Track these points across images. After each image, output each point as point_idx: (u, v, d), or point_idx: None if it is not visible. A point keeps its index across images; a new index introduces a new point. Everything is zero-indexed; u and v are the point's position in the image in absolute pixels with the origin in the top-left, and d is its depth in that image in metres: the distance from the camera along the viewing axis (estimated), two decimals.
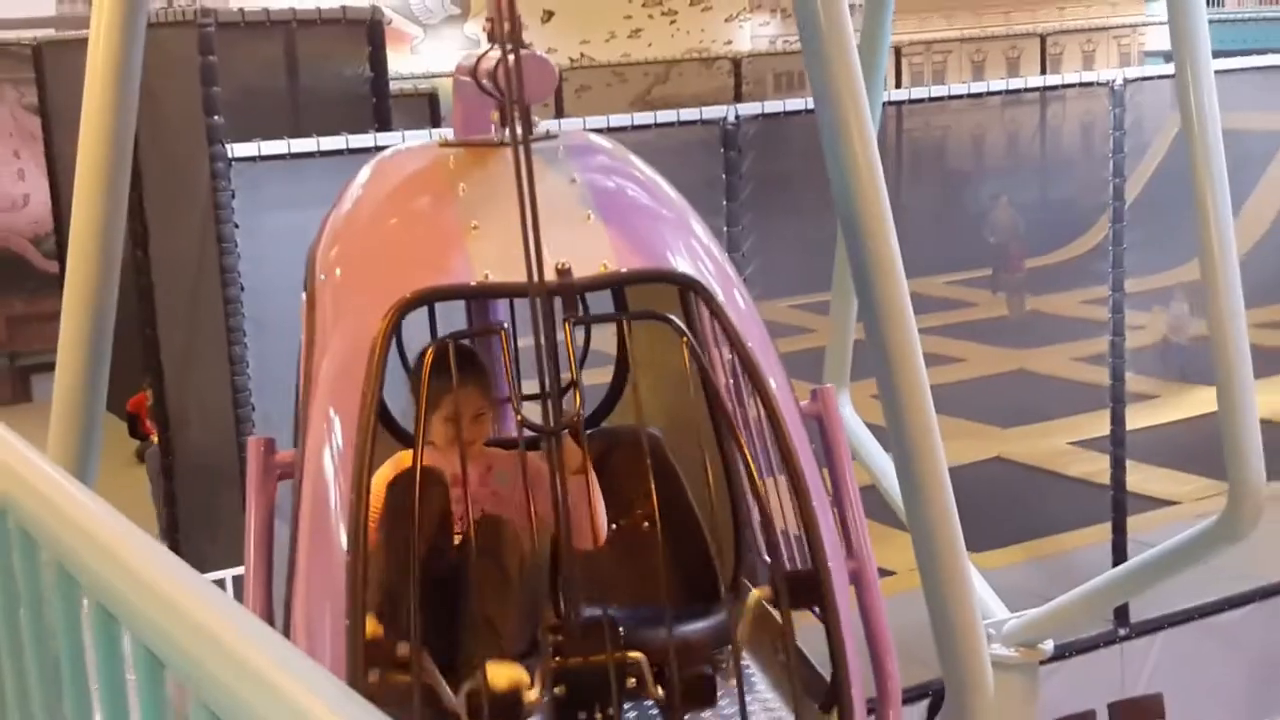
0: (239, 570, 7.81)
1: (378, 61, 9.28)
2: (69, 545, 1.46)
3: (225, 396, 7.91)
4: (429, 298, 3.36)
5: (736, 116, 8.69)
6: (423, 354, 3.40)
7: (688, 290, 3.61)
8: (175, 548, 9.54)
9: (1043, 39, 26.76)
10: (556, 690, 3.16)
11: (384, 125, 8.88)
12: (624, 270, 3.36)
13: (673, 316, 3.50)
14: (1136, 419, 11.17)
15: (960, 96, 11.87)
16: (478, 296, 3.50)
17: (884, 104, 11.47)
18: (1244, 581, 10.46)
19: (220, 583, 7.94)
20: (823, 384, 3.85)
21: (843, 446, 3.77)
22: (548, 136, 3.66)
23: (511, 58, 3.12)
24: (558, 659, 3.17)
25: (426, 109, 12.66)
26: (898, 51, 27.41)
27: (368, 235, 3.59)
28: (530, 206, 3.02)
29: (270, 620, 3.43)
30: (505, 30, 3.13)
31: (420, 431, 3.32)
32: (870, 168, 4.26)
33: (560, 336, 3.22)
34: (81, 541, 1.41)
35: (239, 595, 7.74)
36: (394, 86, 10.57)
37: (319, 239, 3.65)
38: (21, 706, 1.76)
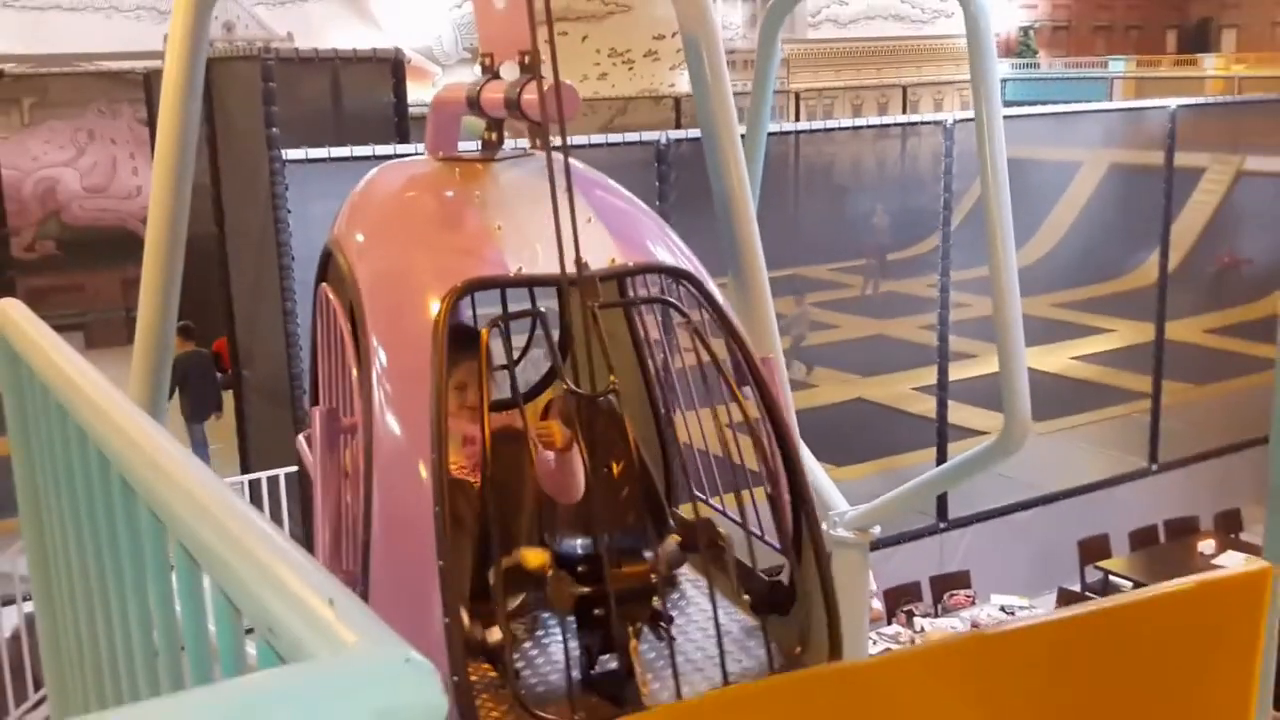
0: (273, 471, 7.92)
1: (400, 91, 9.26)
2: (162, 498, 1.27)
3: (281, 339, 7.92)
4: (477, 286, 3.04)
5: (667, 139, 8.78)
6: (480, 331, 3.11)
7: (679, 280, 3.30)
8: (244, 449, 9.55)
9: (904, 90, 26.87)
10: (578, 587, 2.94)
11: (404, 139, 8.86)
12: (630, 264, 3.13)
13: (674, 300, 3.28)
14: (959, 372, 11.33)
15: (841, 129, 12.32)
16: (517, 285, 3.08)
17: (784, 133, 11.65)
18: (1031, 490, 10.67)
19: (256, 483, 7.97)
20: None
21: (790, 409, 3.47)
22: (527, 153, 3.42)
23: (548, 81, 2.89)
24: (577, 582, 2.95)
25: None
26: (797, 96, 27.54)
27: (409, 235, 3.23)
28: (570, 211, 2.81)
29: (351, 583, 2.94)
30: (536, 59, 2.94)
31: (485, 401, 2.99)
32: (740, 184, 4.25)
33: (582, 320, 2.96)
34: (174, 495, 1.23)
35: (274, 493, 7.87)
36: (416, 111, 10.49)
37: (345, 239, 3.28)
38: (124, 649, 1.58)
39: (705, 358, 3.15)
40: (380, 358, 2.97)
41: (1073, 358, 15.82)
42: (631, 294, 3.44)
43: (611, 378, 2.94)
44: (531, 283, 3.13)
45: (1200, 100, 18.02)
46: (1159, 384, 11.25)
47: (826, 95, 28.59)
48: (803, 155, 20.25)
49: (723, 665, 2.89)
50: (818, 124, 14.88)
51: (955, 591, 9.50)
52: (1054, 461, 11.11)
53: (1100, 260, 18.29)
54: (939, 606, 9.42)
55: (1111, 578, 9.97)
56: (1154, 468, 11.19)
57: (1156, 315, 11.41)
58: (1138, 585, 9.84)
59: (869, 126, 15.84)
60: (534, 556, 3.02)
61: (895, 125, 16.58)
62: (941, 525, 10.24)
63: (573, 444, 3.12)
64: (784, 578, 3.23)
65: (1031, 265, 20.62)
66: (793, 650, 3.10)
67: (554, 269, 2.90)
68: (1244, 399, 12.46)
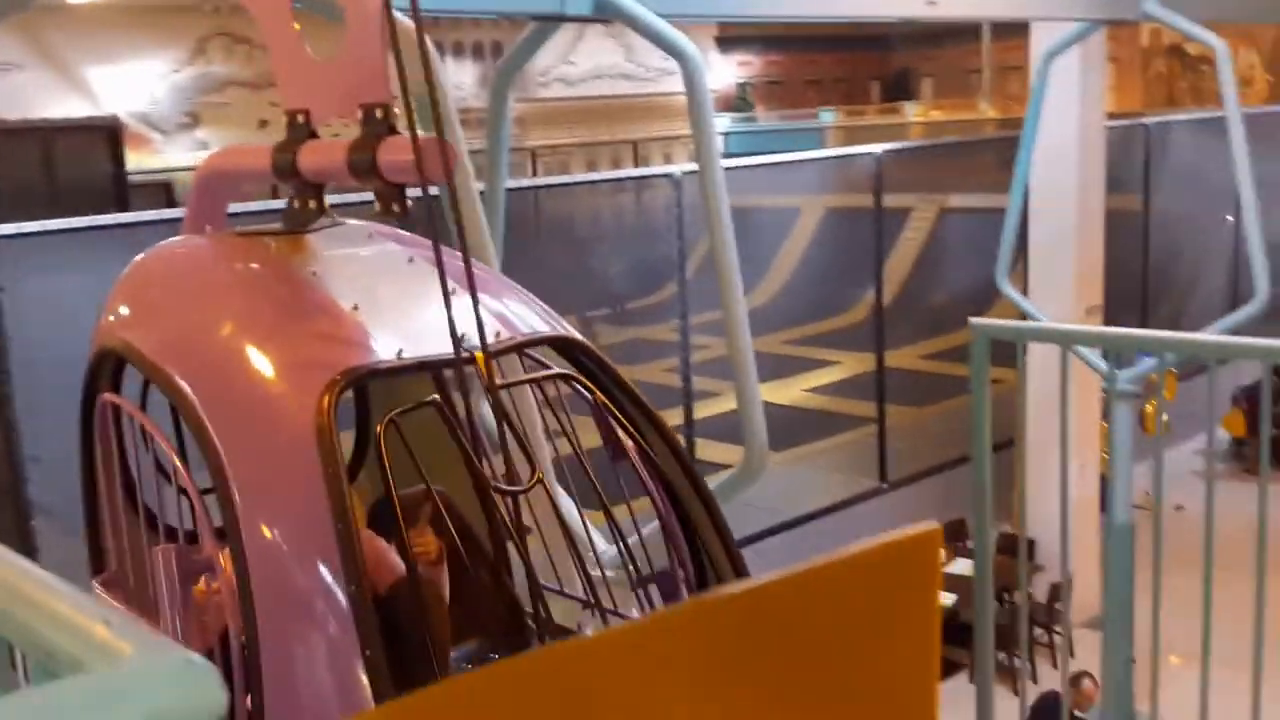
0: None
1: (117, 158, 8.94)
2: None
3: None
4: (361, 376, 2.57)
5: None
6: (377, 430, 2.75)
7: (574, 349, 3.00)
8: None
9: (635, 145, 27.73)
10: None
11: (124, 208, 8.54)
12: (519, 337, 2.81)
13: (573, 374, 2.97)
14: (704, 410, 11.79)
15: (574, 184, 12.70)
16: (405, 372, 2.64)
17: (522, 189, 11.92)
18: (776, 517, 11.18)
19: None
20: None
21: None
22: (335, 223, 2.96)
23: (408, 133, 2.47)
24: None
25: (164, 195, 12.30)
26: (533, 154, 27.98)
27: (247, 325, 2.67)
28: (470, 283, 2.45)
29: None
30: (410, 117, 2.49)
31: (395, 498, 2.68)
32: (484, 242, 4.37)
33: (483, 402, 2.73)
34: None
35: None
36: (137, 179, 10.14)
37: (141, 338, 2.70)
38: None
39: (613, 431, 2.90)
40: (242, 471, 2.46)
41: (804, 390, 16.72)
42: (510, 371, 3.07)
43: (538, 472, 2.63)
44: (424, 368, 2.73)
45: (903, 145, 19.45)
46: (883, 409, 12.04)
47: (561, 151, 29.17)
48: (544, 210, 20.60)
49: None
50: (554, 179, 15.24)
51: None
52: (795, 488, 11.71)
53: (823, 298, 19.42)
54: None
55: None
56: (884, 486, 11.94)
57: (876, 345, 12.23)
58: None
59: (601, 181, 16.46)
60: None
61: (627, 179, 17.23)
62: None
63: (444, 556, 2.89)
64: None
65: (763, 306, 21.66)
66: None
67: (440, 350, 2.51)
68: (961, 417, 13.51)
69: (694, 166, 6.58)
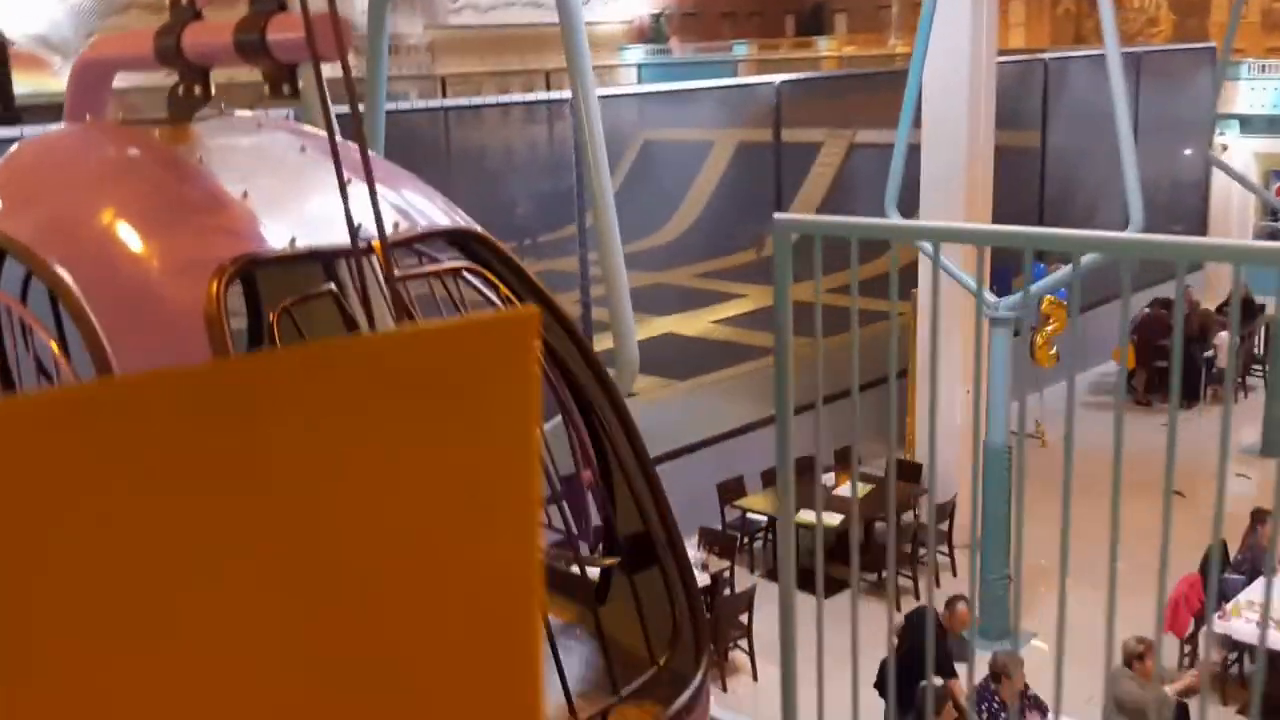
0: None
1: (4, 76, 8.85)
2: None
3: None
4: (252, 263, 2.43)
5: None
6: (271, 319, 2.57)
7: (474, 242, 2.84)
8: None
9: (547, 75, 27.58)
10: None
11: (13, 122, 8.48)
12: (419, 229, 2.67)
13: (480, 269, 2.82)
14: (604, 342, 11.98)
15: (460, 107, 12.71)
16: (298, 261, 2.49)
17: (403, 112, 11.91)
18: (675, 442, 11.41)
19: None
20: None
21: None
22: (223, 113, 2.80)
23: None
24: None
25: (58, 116, 12.04)
26: (443, 82, 27.66)
27: (130, 213, 2.49)
28: (367, 170, 2.25)
29: None
30: None
31: None
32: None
33: (380, 295, 2.56)
34: None
35: None
36: (34, 101, 10.01)
37: (16, 229, 2.52)
38: None
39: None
40: (126, 361, 2.31)
41: (712, 321, 17.02)
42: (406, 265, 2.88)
43: None
44: (319, 256, 2.60)
45: (803, 75, 19.54)
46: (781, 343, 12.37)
47: (473, 80, 28.88)
48: (454, 139, 20.47)
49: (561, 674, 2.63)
50: (437, 103, 15.18)
51: None
52: (699, 414, 12.02)
53: (734, 232, 19.66)
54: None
55: (748, 514, 10.92)
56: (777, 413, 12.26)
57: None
58: (771, 520, 10.85)
59: (492, 105, 16.47)
60: None
61: (518, 104, 17.24)
62: None
63: None
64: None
65: (676, 240, 21.84)
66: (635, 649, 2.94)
67: (335, 240, 2.36)
68: (861, 347, 13.82)
69: (603, 92, 6.65)
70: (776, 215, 3.52)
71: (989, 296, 9.11)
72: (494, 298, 2.84)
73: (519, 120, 20.66)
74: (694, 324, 16.09)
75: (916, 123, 10.33)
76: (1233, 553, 9.80)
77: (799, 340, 13.36)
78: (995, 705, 7.40)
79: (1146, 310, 15.96)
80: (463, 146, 22.10)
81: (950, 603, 8.66)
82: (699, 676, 3.05)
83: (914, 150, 10.56)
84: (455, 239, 2.89)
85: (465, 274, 2.85)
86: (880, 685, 6.63)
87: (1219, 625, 8.80)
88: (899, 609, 9.22)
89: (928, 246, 5.05)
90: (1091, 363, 15.45)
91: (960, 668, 7.83)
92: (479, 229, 2.89)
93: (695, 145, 22.09)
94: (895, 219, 9.18)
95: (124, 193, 2.59)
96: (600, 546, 3.46)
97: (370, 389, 1.07)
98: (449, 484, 1.13)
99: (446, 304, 2.98)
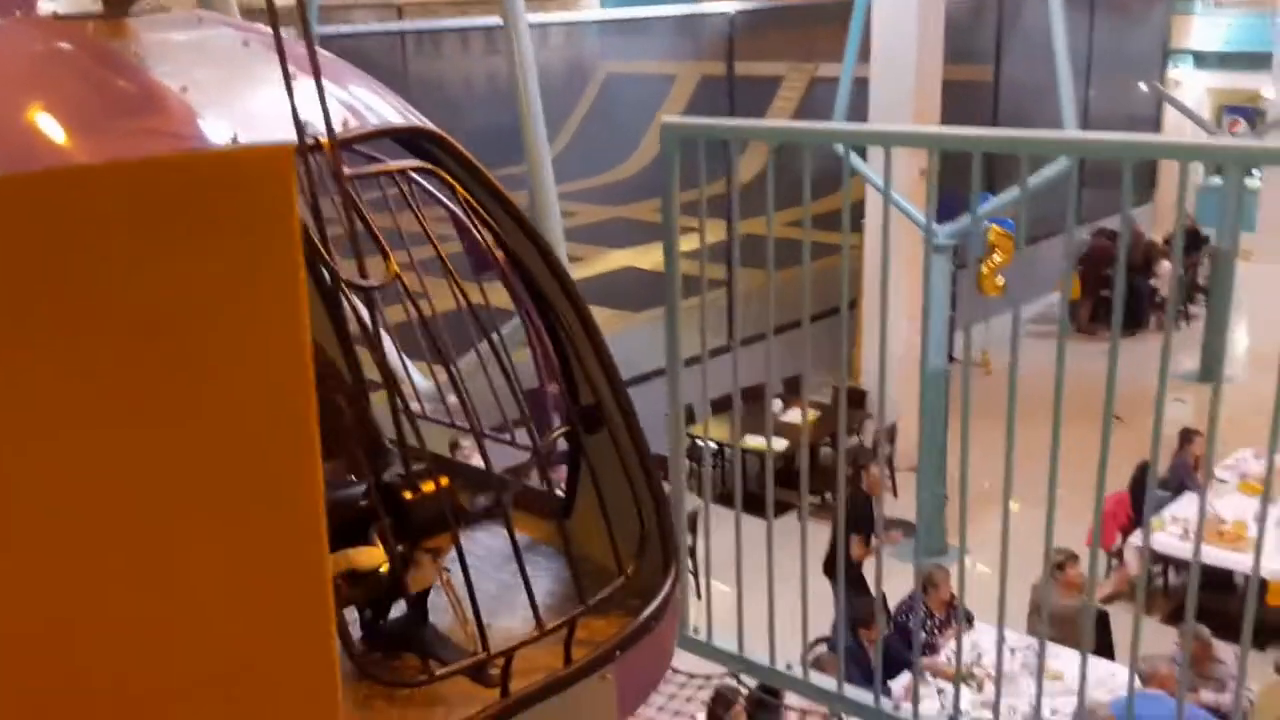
0: None
1: None
2: None
3: None
4: None
5: None
6: None
7: (429, 143, 2.74)
8: None
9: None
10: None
11: None
12: (369, 127, 2.56)
13: (436, 170, 2.71)
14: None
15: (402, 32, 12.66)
16: None
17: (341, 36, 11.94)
18: (630, 371, 11.71)
19: None
20: None
21: None
22: (159, 8, 2.67)
23: None
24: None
25: None
26: (399, 10, 27.40)
27: (61, 111, 2.36)
28: (314, 63, 2.17)
29: None
30: None
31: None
32: None
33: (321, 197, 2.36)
34: None
35: None
36: None
37: None
38: None
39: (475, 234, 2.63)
40: None
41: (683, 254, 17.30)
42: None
43: (391, 263, 2.36)
44: None
45: (759, 5, 19.45)
46: (731, 274, 12.65)
47: (431, 8, 28.61)
48: (412, 70, 20.44)
49: (526, 583, 2.59)
50: (379, 27, 15.20)
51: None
52: (653, 345, 12.33)
53: (695, 166, 19.74)
54: None
55: (697, 441, 11.27)
56: (730, 344, 12.58)
57: (726, 214, 12.75)
58: (721, 447, 11.21)
59: (433, 31, 16.45)
60: (368, 556, 2.64)
61: (450, 31, 17.20)
62: None
63: None
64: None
65: (637, 174, 21.94)
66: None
67: (277, 137, 2.25)
68: (812, 280, 14.14)
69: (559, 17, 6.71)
70: (664, 119, 3.60)
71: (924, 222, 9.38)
72: (448, 200, 2.72)
73: (480, 51, 20.61)
74: (652, 257, 16.35)
75: (865, 56, 10.53)
76: (1161, 470, 10.28)
77: (752, 272, 13.60)
78: (923, 614, 7.83)
79: (1089, 239, 16.31)
80: (420, 76, 22.08)
81: (865, 468, 9.23)
82: (667, 586, 3.04)
83: (863, 85, 10.77)
84: (409, 139, 2.77)
85: (417, 175, 2.76)
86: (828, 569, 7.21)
87: (1141, 539, 9.27)
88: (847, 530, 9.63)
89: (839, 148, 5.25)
90: (1037, 292, 15.83)
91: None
92: (434, 128, 2.75)
93: (657, 79, 22.13)
94: (839, 149, 9.35)
95: (55, 89, 2.42)
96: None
97: (121, 214, 1.07)
98: (212, 303, 1.14)
99: (400, 205, 2.86)
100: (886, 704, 3.78)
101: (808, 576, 3.83)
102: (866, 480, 9.13)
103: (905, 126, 7.38)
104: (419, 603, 2.70)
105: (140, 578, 1.23)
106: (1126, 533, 9.85)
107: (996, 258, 13.45)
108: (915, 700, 3.69)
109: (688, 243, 4.22)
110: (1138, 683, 6.52)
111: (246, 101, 2.38)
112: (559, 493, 3.25)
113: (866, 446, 11.66)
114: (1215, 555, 8.52)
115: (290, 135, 2.14)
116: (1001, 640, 3.61)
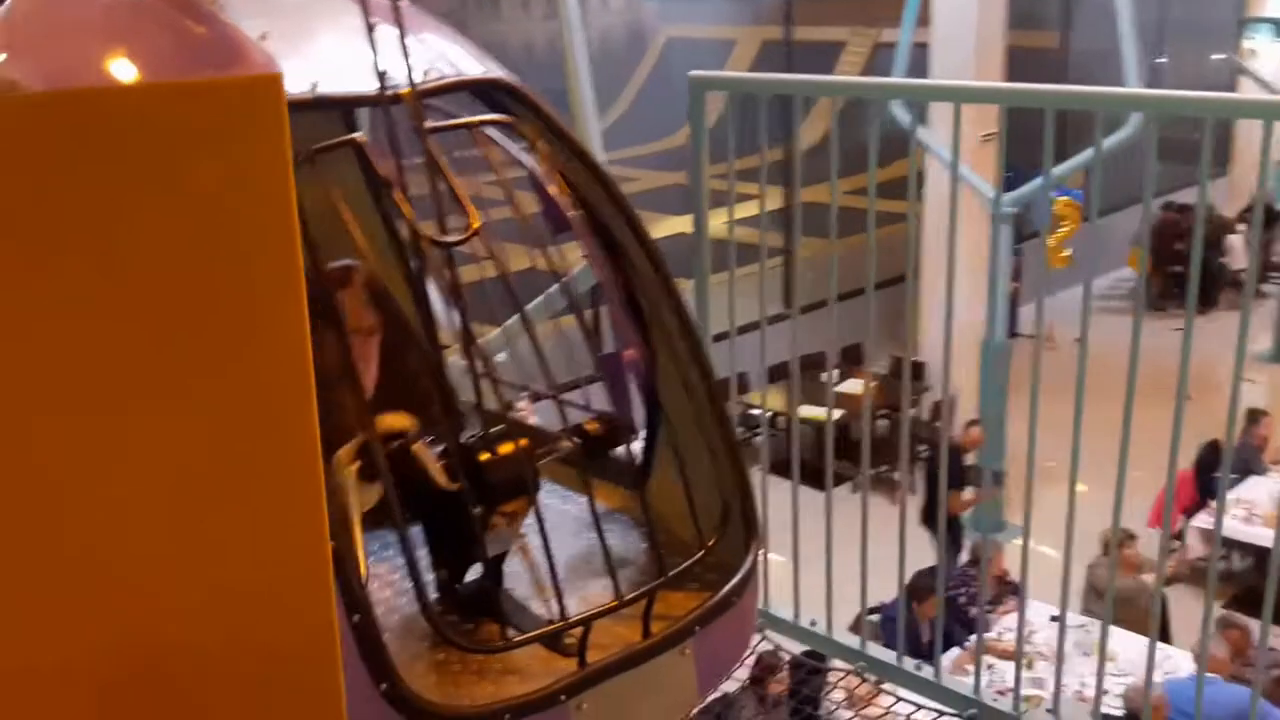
0: None
1: None
2: None
3: None
4: None
5: None
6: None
7: (509, 96, 2.63)
8: None
9: None
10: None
11: None
12: (451, 77, 2.49)
13: (514, 120, 2.60)
14: None
15: None
16: (319, 108, 2.34)
17: None
18: None
19: None
20: None
21: None
22: None
23: None
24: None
25: None
26: None
27: (134, 55, 2.28)
28: (397, 12, 2.13)
29: None
30: None
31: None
32: None
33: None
34: None
35: None
36: None
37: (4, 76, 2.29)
38: None
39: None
40: None
41: (725, 221, 17.20)
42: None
43: (472, 218, 2.26)
44: (341, 103, 2.49)
45: None
46: (789, 241, 12.54)
47: None
48: (473, 32, 20.47)
49: (603, 544, 2.52)
50: None
51: None
52: (711, 311, 12.28)
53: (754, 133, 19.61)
54: None
55: (750, 410, 11.25)
56: (789, 312, 12.50)
57: (785, 180, 12.65)
58: (775, 416, 11.18)
59: None
60: (395, 419, 2.52)
61: None
62: None
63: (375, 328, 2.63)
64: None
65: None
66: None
67: (359, 87, 2.24)
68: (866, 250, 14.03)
69: None
70: (691, 74, 3.53)
71: (990, 191, 9.24)
72: (527, 158, 2.64)
73: (540, 13, 20.61)
74: (710, 223, 16.32)
75: (925, 20, 10.36)
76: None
77: (814, 241, 13.65)
78: (974, 589, 7.77)
79: (1161, 213, 15.99)
80: (479, 38, 22.10)
81: (967, 425, 9.25)
82: (749, 561, 2.90)
83: (923, 51, 10.60)
84: (487, 91, 2.66)
85: (499, 129, 2.65)
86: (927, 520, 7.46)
87: (1205, 520, 9.12)
88: (894, 502, 9.58)
89: (902, 114, 5.15)
90: (1106, 267, 15.57)
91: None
92: (516, 81, 2.66)
93: (718, 43, 21.96)
94: (898, 113, 9.19)
95: (134, 37, 2.35)
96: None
97: (110, 138, 1.07)
98: (202, 228, 1.15)
99: (479, 162, 2.71)
100: (929, 673, 3.76)
101: (868, 546, 3.78)
102: (964, 437, 9.24)
103: (970, 82, 7.23)
104: (495, 568, 2.62)
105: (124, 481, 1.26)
106: (1189, 514, 9.70)
107: (1063, 229, 13.24)
108: (979, 668, 3.63)
109: (751, 207, 4.19)
110: (1191, 665, 6.48)
111: (326, 50, 2.34)
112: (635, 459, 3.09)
113: (923, 420, 11.57)
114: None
115: (368, 85, 2.10)
116: (1064, 620, 3.57)
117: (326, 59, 2.34)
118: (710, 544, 2.77)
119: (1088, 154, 8.88)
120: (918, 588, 7.01)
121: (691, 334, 2.87)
